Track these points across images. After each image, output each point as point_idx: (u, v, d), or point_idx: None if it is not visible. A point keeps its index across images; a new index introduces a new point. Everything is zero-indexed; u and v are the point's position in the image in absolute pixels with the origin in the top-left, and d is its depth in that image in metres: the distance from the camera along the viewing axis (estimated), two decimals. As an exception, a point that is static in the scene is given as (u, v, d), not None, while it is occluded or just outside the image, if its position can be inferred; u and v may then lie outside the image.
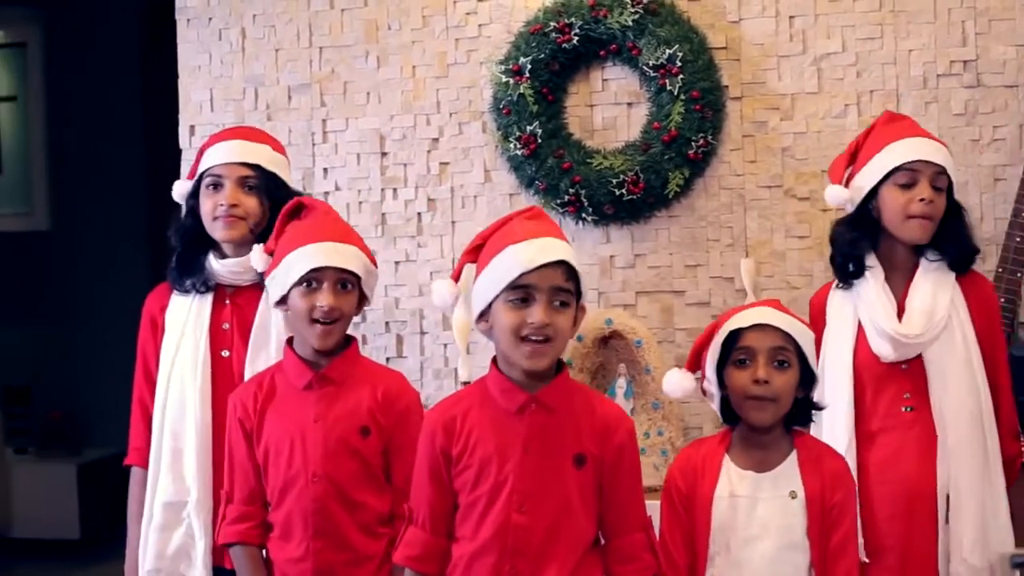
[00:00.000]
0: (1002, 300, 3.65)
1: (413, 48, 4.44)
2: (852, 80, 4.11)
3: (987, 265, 3.82)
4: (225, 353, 3.41)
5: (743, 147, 4.18)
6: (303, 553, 3.06)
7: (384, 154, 4.46)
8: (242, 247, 3.40)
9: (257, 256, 3.25)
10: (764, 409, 2.87)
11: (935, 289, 3.29)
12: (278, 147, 3.55)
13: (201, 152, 3.49)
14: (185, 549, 3.39)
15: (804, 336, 2.91)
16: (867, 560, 3.25)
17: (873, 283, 3.32)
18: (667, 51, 4.10)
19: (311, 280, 3.09)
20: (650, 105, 4.22)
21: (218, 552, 3.35)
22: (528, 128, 4.21)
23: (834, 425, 3.32)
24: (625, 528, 2.80)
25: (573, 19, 4.20)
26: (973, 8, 4.04)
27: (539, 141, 4.20)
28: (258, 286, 3.41)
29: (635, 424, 4.03)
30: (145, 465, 3.46)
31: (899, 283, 3.33)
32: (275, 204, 3.41)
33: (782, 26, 4.16)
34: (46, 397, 7.76)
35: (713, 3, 4.21)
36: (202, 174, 3.43)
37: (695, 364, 3.03)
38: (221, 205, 3.36)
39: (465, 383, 4.13)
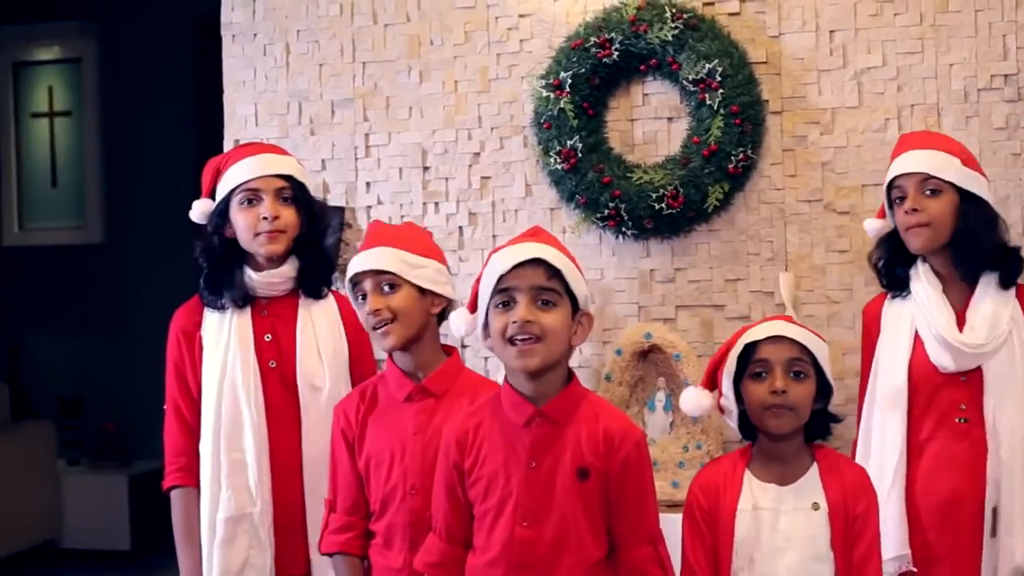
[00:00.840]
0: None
1: (455, 63, 4.47)
2: (892, 94, 4.10)
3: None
4: (272, 364, 3.43)
5: (783, 161, 4.18)
6: (403, 563, 3.08)
7: (426, 168, 4.49)
8: (276, 259, 3.44)
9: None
10: (782, 417, 2.88)
11: (995, 301, 3.31)
12: (297, 160, 3.59)
13: (214, 170, 3.50)
14: (251, 561, 3.39)
15: (819, 348, 2.94)
16: (915, 569, 3.27)
17: (933, 293, 3.33)
18: (707, 66, 4.10)
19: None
20: (690, 119, 4.22)
21: (280, 563, 3.40)
22: (569, 142, 4.22)
23: (884, 433, 3.33)
24: (632, 541, 2.80)
25: (614, 34, 4.22)
26: (1014, 22, 4.01)
27: (579, 155, 4.22)
28: (293, 294, 3.46)
29: (673, 438, 4.09)
30: (191, 483, 3.46)
31: (958, 295, 3.34)
32: (309, 216, 3.45)
33: (822, 40, 4.15)
34: (98, 409, 7.85)
35: (753, 18, 4.21)
36: (233, 190, 3.44)
37: (711, 382, 3.04)
38: (264, 219, 3.38)
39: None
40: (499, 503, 2.79)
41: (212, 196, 3.50)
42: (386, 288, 3.12)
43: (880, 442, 3.34)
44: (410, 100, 4.51)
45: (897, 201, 3.36)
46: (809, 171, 4.16)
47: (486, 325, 2.83)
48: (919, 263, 3.39)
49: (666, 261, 4.27)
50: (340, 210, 4.49)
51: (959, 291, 3.35)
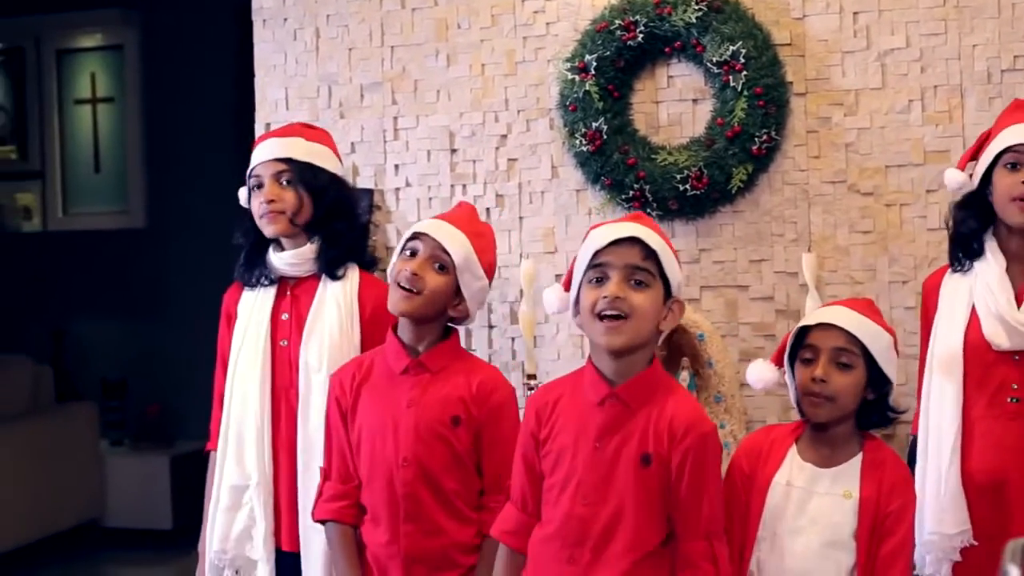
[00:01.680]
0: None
1: (482, 47, 4.50)
2: (916, 75, 4.10)
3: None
4: (284, 343, 3.50)
5: (807, 143, 4.19)
6: (391, 537, 3.13)
7: (454, 151, 4.53)
8: (298, 240, 3.50)
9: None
10: (819, 407, 2.88)
11: None
12: (314, 136, 3.60)
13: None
14: (248, 531, 3.47)
15: (875, 338, 2.91)
16: (976, 543, 3.24)
17: (995, 267, 3.29)
18: (731, 48, 4.12)
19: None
20: (714, 101, 4.24)
21: (278, 534, 3.46)
22: (594, 124, 4.25)
23: (942, 408, 3.31)
24: (688, 534, 2.78)
25: (638, 16, 4.24)
26: (1038, 2, 4.02)
27: (605, 137, 4.25)
28: (315, 276, 3.52)
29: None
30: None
31: (1020, 274, 3.30)
32: (314, 192, 3.50)
33: (846, 22, 4.16)
34: (141, 391, 7.94)
35: (777, -1, 4.23)
36: (248, 177, 3.55)
37: (780, 359, 3.04)
38: (261, 203, 3.47)
39: (531, 376, 4.19)
40: (564, 479, 2.81)
41: None
42: (437, 267, 3.17)
43: (937, 415, 3.30)
44: (438, 83, 4.55)
45: (1008, 166, 3.28)
46: (833, 152, 4.17)
47: (577, 300, 2.84)
48: (987, 239, 3.34)
49: (691, 242, 4.29)
50: (369, 192, 4.54)
51: (1021, 269, 3.31)
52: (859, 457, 2.91)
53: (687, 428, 2.75)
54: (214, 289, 3.69)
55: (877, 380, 2.92)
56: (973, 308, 3.32)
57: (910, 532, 2.87)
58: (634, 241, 2.77)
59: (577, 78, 4.28)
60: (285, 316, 3.51)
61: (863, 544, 2.84)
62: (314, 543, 3.36)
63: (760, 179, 4.22)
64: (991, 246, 3.33)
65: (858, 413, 2.94)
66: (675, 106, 4.33)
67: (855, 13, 4.15)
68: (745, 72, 4.12)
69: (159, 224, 8.06)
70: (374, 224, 4.53)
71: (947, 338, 3.34)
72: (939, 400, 3.32)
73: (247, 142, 3.68)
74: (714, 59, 4.16)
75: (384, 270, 3.57)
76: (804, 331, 2.96)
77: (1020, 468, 3.23)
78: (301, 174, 3.49)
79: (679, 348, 4.17)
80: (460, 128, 4.52)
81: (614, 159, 4.24)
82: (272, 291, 3.54)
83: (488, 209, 4.47)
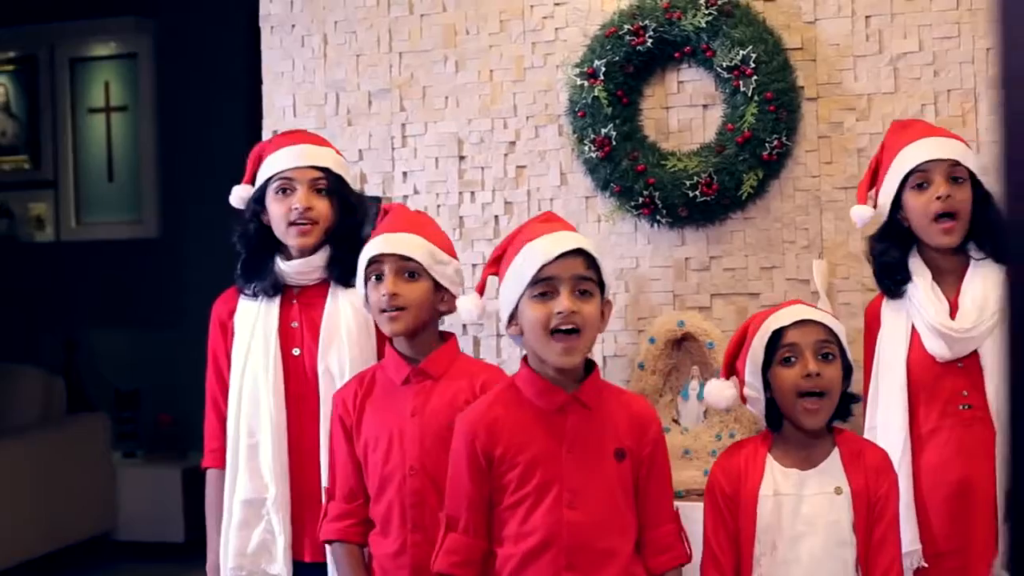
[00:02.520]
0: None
1: (490, 52, 4.46)
2: (929, 79, 4.05)
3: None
4: (296, 351, 3.46)
5: (819, 148, 4.14)
6: (400, 547, 3.11)
7: (462, 158, 4.49)
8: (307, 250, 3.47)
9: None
10: (817, 413, 2.87)
11: (985, 284, 3.28)
12: (338, 151, 3.61)
13: (256, 157, 3.54)
14: (266, 545, 3.42)
15: (840, 329, 2.95)
16: (926, 565, 3.24)
17: (921, 284, 3.32)
18: (741, 52, 4.08)
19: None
20: (725, 107, 4.19)
21: (297, 546, 3.42)
22: (603, 131, 4.21)
23: (888, 428, 3.31)
24: (660, 519, 2.86)
25: (648, 21, 4.19)
26: (1052, 5, 3.95)
27: (614, 143, 4.20)
28: (324, 283, 3.48)
29: (706, 427, 4.07)
30: (222, 466, 3.51)
31: (951, 285, 3.33)
32: (346, 204, 3.46)
33: (858, 26, 4.11)
34: (153, 402, 7.91)
35: (788, 4, 4.18)
36: (269, 179, 3.47)
37: (730, 372, 3.04)
38: (295, 209, 3.40)
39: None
40: (539, 489, 2.80)
41: (253, 182, 3.54)
42: (407, 275, 3.14)
43: (884, 436, 3.30)
44: (446, 90, 4.51)
45: (916, 187, 3.33)
46: (845, 158, 4.12)
47: (513, 315, 2.83)
48: (911, 258, 3.38)
49: (701, 249, 4.25)
50: (377, 200, 4.50)
51: (951, 280, 3.34)
52: (836, 452, 2.93)
53: (648, 419, 2.89)
54: (227, 299, 3.67)
55: (847, 370, 2.95)
56: (913, 328, 3.34)
57: (897, 512, 2.91)
58: (578, 252, 2.79)
59: (586, 84, 4.24)
60: (295, 324, 3.47)
61: (862, 535, 2.86)
62: None
63: (771, 185, 4.17)
64: (916, 265, 3.36)
65: None
66: (685, 112, 4.28)
67: (867, 17, 4.11)
68: (756, 77, 4.07)
69: (173, 234, 8.04)
70: (381, 233, 4.49)
71: (890, 360, 3.37)
72: (885, 421, 3.34)
73: (261, 150, 3.65)
74: (724, 64, 4.12)
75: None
76: (777, 335, 2.92)
77: (982, 472, 3.23)
78: (337, 184, 3.47)
79: (689, 356, 4.13)
80: (468, 135, 4.48)
81: (623, 166, 4.19)
82: (276, 299, 3.49)
83: (497, 216, 4.44)
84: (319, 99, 4.65)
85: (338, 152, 3.60)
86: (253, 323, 3.48)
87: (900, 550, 2.91)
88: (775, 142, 4.07)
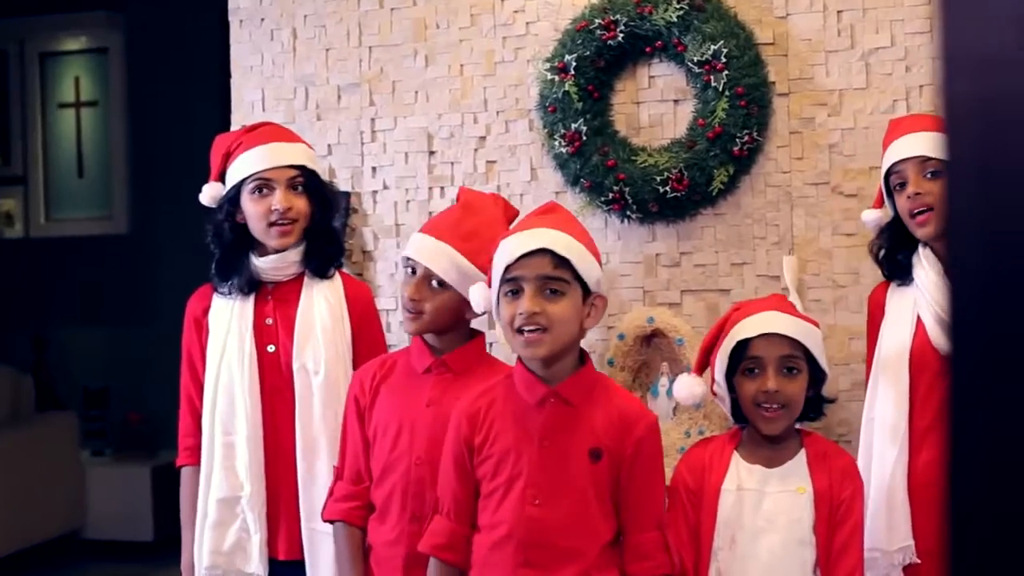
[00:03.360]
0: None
1: (461, 47, 4.43)
2: (901, 75, 4.03)
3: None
4: (271, 348, 3.45)
5: (790, 144, 4.12)
6: (397, 536, 3.10)
7: (432, 153, 4.45)
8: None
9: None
10: (775, 421, 2.89)
11: None
12: (308, 145, 3.61)
13: (224, 154, 3.51)
14: (241, 544, 3.41)
15: (811, 337, 2.95)
16: (919, 560, 3.21)
17: (932, 274, 3.31)
18: (712, 47, 4.05)
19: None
20: (696, 102, 4.17)
21: (272, 544, 3.40)
22: (573, 126, 4.18)
23: (885, 419, 3.30)
24: (640, 525, 2.80)
25: (619, 16, 4.16)
26: (1024, 1, 3.94)
27: (584, 139, 4.17)
28: (298, 279, 3.46)
29: (675, 423, 4.04)
30: (196, 464, 3.50)
31: None
32: (323, 200, 3.45)
33: (830, 21, 4.09)
34: (123, 400, 7.87)
35: (760, -2, 4.16)
36: (245, 178, 3.45)
37: (703, 366, 3.04)
38: (275, 209, 3.40)
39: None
40: (508, 481, 2.80)
41: (221, 178, 3.52)
42: (434, 284, 3.11)
43: (882, 428, 3.30)
44: (416, 84, 4.47)
45: (897, 188, 3.36)
46: (816, 153, 4.10)
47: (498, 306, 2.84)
48: (920, 248, 3.38)
49: (671, 245, 4.22)
50: (346, 195, 4.47)
51: None
52: (802, 453, 2.94)
53: (636, 419, 2.82)
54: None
55: (816, 377, 2.96)
56: (919, 317, 3.34)
57: (861, 519, 2.91)
58: (544, 252, 2.75)
59: (557, 78, 4.21)
60: (269, 321, 3.47)
61: (822, 537, 2.85)
62: (322, 549, 3.32)
63: (742, 181, 4.15)
64: (926, 254, 3.37)
65: None
66: (656, 107, 4.25)
67: (839, 12, 4.08)
68: (727, 72, 4.05)
69: (143, 230, 8.00)
70: (351, 228, 4.46)
71: (892, 347, 3.36)
72: (883, 411, 3.32)
73: (231, 147, 3.62)
74: (695, 59, 4.09)
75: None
76: (743, 343, 2.92)
77: None
78: (312, 181, 3.47)
79: (659, 353, 4.11)
80: (439, 130, 4.45)
81: (594, 161, 4.17)
82: (251, 296, 3.48)
83: (466, 212, 4.40)
84: (288, 93, 4.61)
85: (308, 145, 3.59)
86: (228, 320, 3.47)
87: (862, 557, 2.90)
88: (746, 137, 4.05)
